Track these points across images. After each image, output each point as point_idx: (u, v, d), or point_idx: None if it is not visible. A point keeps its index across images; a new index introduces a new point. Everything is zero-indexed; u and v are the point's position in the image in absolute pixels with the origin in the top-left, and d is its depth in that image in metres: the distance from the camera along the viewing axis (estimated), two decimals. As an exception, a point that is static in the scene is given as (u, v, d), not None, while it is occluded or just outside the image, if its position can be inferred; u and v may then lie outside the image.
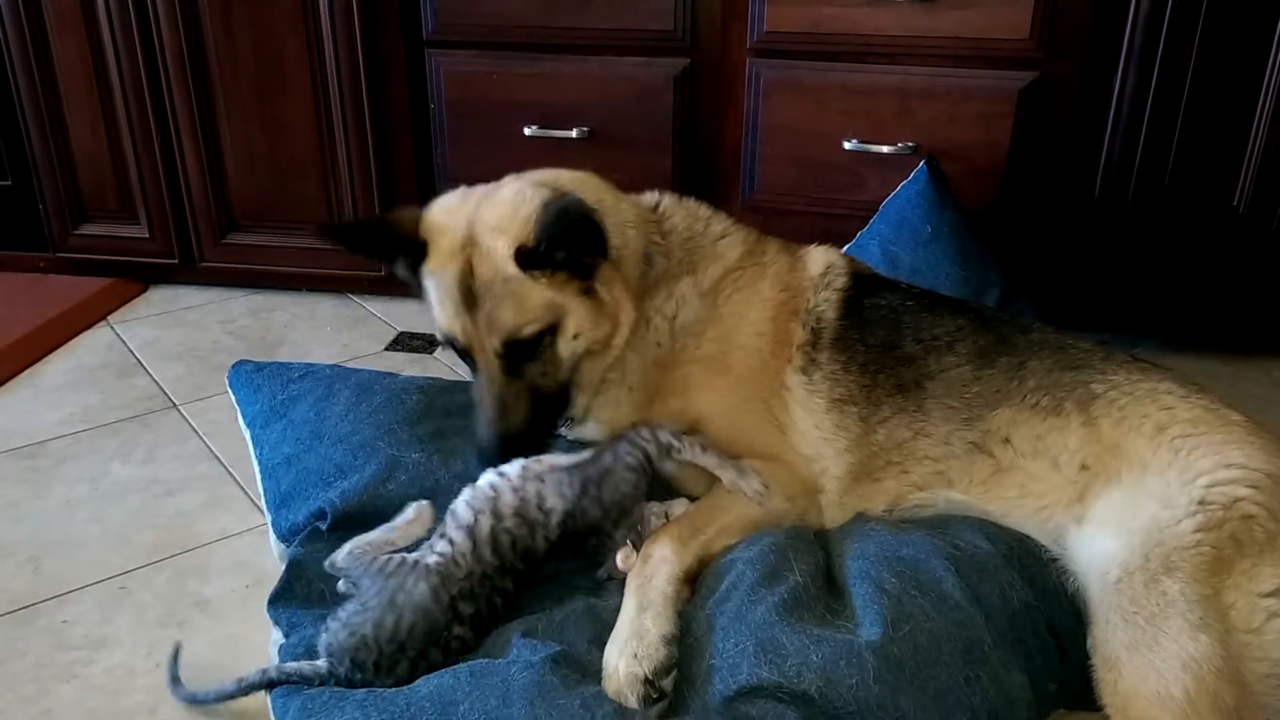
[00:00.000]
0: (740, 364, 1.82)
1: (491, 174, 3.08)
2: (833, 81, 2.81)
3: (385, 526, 1.65)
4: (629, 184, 3.00)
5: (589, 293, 1.70)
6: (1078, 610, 1.56)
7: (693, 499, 1.76)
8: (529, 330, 1.66)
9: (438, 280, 1.71)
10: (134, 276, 3.47)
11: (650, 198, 1.99)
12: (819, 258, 1.96)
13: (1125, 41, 2.60)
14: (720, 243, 1.92)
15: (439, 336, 1.77)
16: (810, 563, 1.57)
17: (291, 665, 1.51)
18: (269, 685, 1.51)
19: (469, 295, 1.66)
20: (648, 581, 1.55)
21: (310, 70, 3.09)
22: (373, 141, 3.14)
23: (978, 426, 1.73)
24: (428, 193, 3.17)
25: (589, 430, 1.89)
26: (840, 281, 1.92)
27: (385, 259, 1.87)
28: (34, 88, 3.21)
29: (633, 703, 1.40)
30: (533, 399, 1.71)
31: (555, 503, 1.61)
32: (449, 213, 1.73)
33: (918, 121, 2.78)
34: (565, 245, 1.63)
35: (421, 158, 3.19)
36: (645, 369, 1.83)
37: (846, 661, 1.38)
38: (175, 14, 3.06)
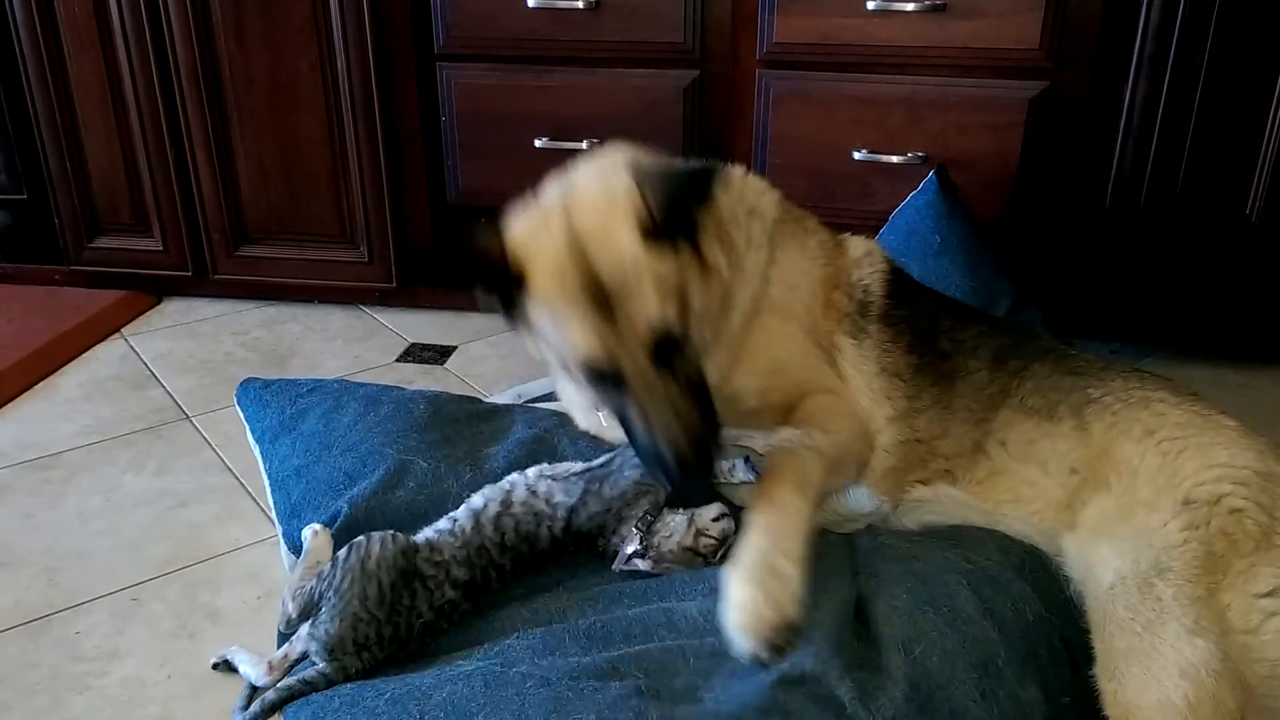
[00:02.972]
0: (802, 312, 1.79)
1: (502, 185, 3.12)
2: (842, 92, 2.82)
3: (298, 564, 1.71)
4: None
5: (702, 263, 1.52)
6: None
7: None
8: (679, 318, 1.45)
9: (556, 302, 1.45)
10: (148, 289, 3.50)
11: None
12: (858, 243, 1.95)
13: (1135, 51, 2.60)
14: (750, 179, 1.83)
15: (573, 372, 1.51)
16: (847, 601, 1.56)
17: (291, 681, 1.51)
18: (273, 707, 1.51)
19: (601, 299, 1.41)
20: (780, 522, 1.42)
21: (323, 84, 3.12)
22: (384, 154, 3.16)
23: (983, 426, 1.74)
24: (439, 204, 3.24)
25: None
26: (882, 265, 1.91)
27: (480, 291, 1.56)
28: (50, 103, 3.25)
29: (757, 649, 1.29)
30: (694, 394, 1.48)
31: (562, 498, 1.68)
32: (534, 229, 1.49)
33: (927, 131, 2.78)
34: (686, 203, 1.45)
35: (433, 170, 3.20)
36: (731, 325, 1.70)
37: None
38: (189, 30, 3.09)
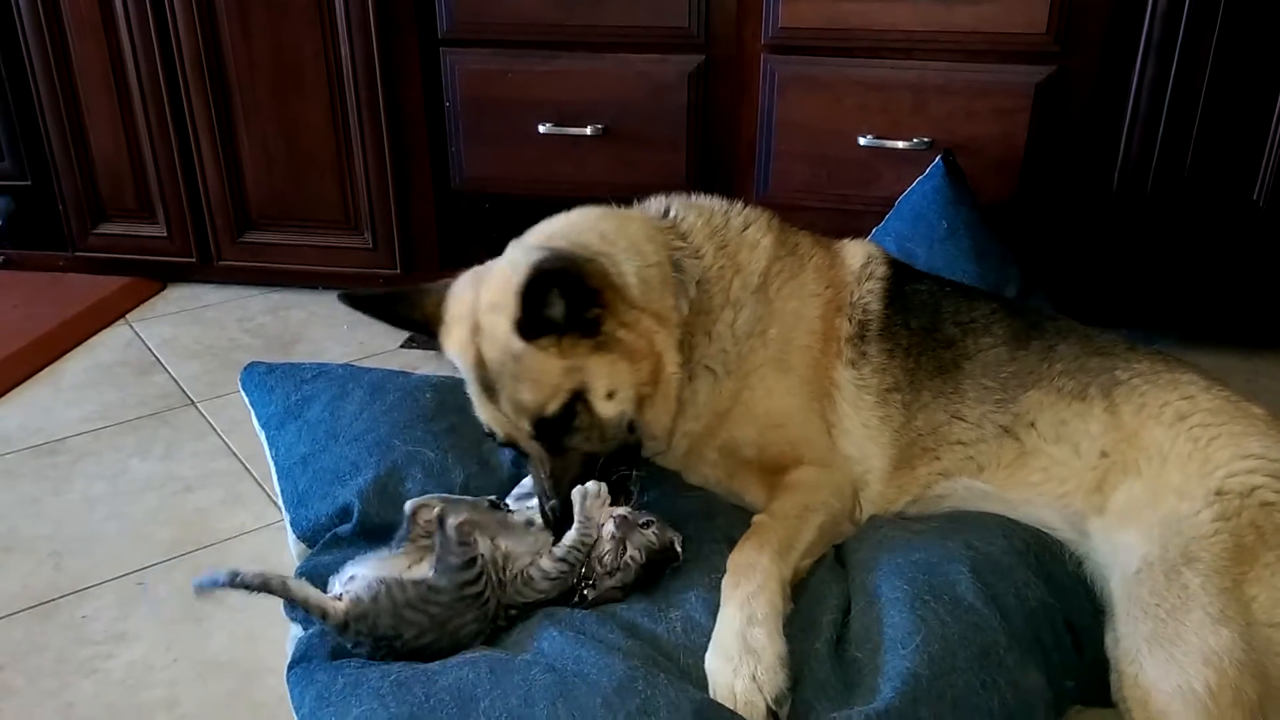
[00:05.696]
0: (800, 363, 1.78)
1: (506, 171, 3.13)
2: (848, 77, 2.80)
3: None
4: (644, 181, 3.01)
5: (604, 345, 1.58)
6: (1093, 606, 1.55)
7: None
8: (553, 407, 1.55)
9: (461, 369, 1.65)
10: (152, 275, 3.50)
11: (657, 204, 1.89)
12: (856, 250, 1.92)
13: (1143, 35, 2.58)
14: (748, 232, 1.84)
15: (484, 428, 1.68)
16: (837, 607, 1.57)
17: (312, 592, 1.48)
18: (280, 594, 1.49)
19: (488, 385, 1.59)
20: (758, 591, 1.46)
21: (326, 71, 3.11)
22: (388, 140, 3.16)
23: (1009, 409, 1.71)
24: (444, 190, 3.23)
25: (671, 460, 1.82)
26: (881, 270, 1.88)
27: (408, 330, 1.80)
28: (54, 91, 3.25)
29: None
30: (589, 463, 1.61)
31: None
32: (459, 299, 1.66)
33: (934, 116, 2.77)
34: (551, 303, 1.52)
35: (437, 156, 3.20)
36: (716, 383, 1.75)
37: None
38: (193, 18, 3.08)
